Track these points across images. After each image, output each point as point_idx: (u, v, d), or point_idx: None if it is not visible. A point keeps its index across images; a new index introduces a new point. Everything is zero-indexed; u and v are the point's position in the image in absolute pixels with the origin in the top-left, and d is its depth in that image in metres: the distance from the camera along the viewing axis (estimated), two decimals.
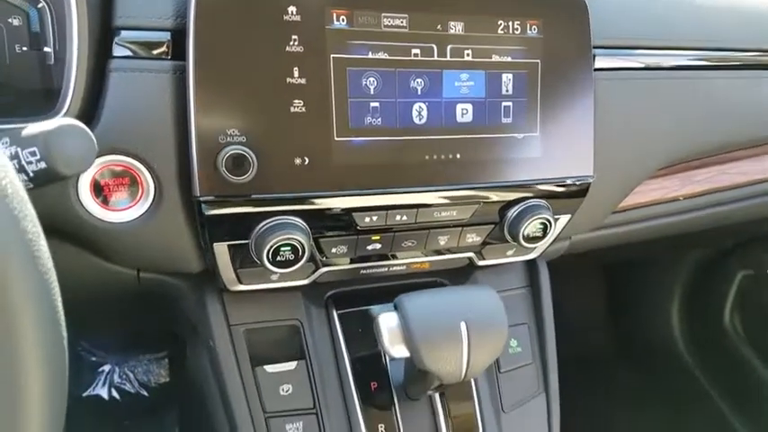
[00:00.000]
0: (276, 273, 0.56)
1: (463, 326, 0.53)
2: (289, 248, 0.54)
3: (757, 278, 1.44)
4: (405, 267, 0.67)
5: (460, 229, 0.64)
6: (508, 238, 0.65)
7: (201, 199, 0.51)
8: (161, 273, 0.61)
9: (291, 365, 0.62)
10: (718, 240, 1.39)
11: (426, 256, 0.66)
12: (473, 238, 0.65)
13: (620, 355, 1.75)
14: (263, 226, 0.54)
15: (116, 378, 1.28)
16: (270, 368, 0.61)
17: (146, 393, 1.28)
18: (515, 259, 0.71)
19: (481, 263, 0.69)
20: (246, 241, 0.55)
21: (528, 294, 0.75)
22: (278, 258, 0.54)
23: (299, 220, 0.55)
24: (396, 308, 0.55)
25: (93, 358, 1.28)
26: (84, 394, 1.26)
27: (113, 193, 0.52)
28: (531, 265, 0.76)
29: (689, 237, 1.20)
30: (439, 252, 0.66)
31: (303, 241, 0.54)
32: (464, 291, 0.58)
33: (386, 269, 0.66)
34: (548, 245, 0.70)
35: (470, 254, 0.68)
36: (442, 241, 0.64)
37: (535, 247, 0.68)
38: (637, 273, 1.65)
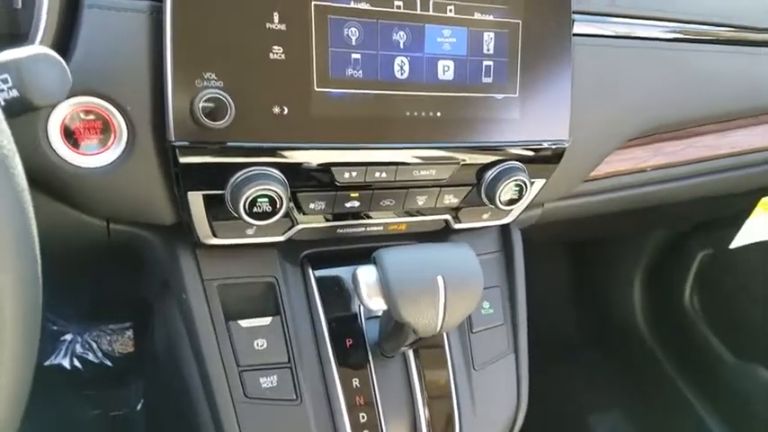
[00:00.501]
0: (253, 225, 0.55)
1: (440, 280, 0.54)
2: (266, 200, 0.53)
3: (716, 257, 1.49)
4: (382, 228, 0.67)
5: (438, 189, 0.64)
6: (485, 200, 0.65)
7: (176, 144, 0.50)
8: (132, 224, 0.59)
9: (266, 321, 0.61)
10: (680, 220, 1.44)
11: (404, 216, 0.66)
12: (450, 199, 0.65)
13: (582, 334, 1.80)
14: (240, 176, 0.53)
15: (78, 348, 1.25)
16: (244, 323, 0.60)
17: (109, 363, 1.26)
18: (490, 223, 0.71)
19: (457, 226, 0.69)
20: (222, 192, 0.54)
21: (501, 258, 0.76)
22: (254, 210, 0.53)
23: (276, 172, 0.54)
24: (374, 261, 0.55)
25: (55, 327, 1.25)
26: (46, 363, 1.23)
27: (84, 138, 0.51)
28: (504, 231, 0.77)
29: (652, 215, 1.23)
30: (416, 213, 0.66)
31: (281, 193, 0.53)
32: (441, 247, 0.58)
33: (363, 229, 0.66)
34: (522, 209, 0.71)
35: (447, 216, 0.68)
36: (420, 201, 0.64)
37: (511, 210, 0.69)
38: (600, 252, 1.69)
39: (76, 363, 1.24)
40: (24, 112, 0.39)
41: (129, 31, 0.49)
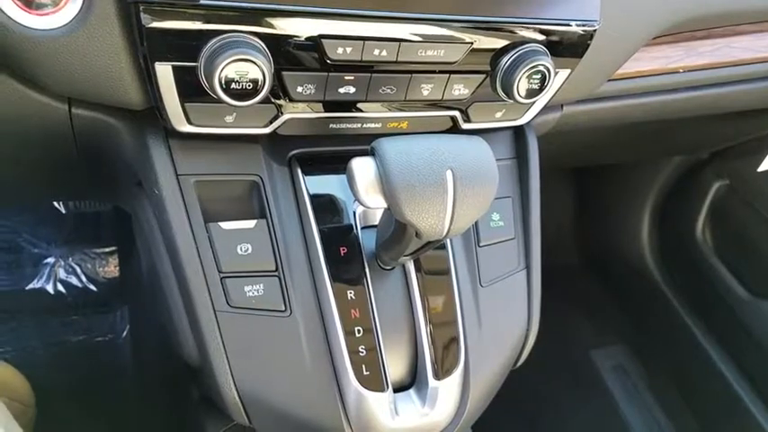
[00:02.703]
0: (231, 107, 0.47)
1: (449, 174, 0.46)
2: (245, 73, 0.45)
3: (733, 188, 1.42)
4: (380, 126, 0.59)
5: (447, 76, 0.55)
6: (500, 91, 0.57)
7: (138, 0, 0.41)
8: (96, 108, 0.51)
9: (250, 224, 0.54)
10: (700, 144, 1.35)
11: (406, 111, 0.58)
12: (460, 89, 0.57)
13: (585, 264, 1.75)
14: (215, 43, 0.45)
15: (62, 272, 1.19)
16: (225, 225, 0.53)
17: (94, 288, 1.20)
18: (504, 124, 0.63)
19: (466, 126, 0.61)
20: (195, 64, 0.46)
21: (514, 167, 0.68)
22: (233, 88, 0.45)
23: (257, 41, 0.46)
24: (372, 152, 0.47)
25: (36, 250, 1.19)
26: (28, 287, 1.17)
27: None
28: (519, 136, 0.69)
29: (672, 135, 1.15)
30: (420, 107, 0.58)
31: (262, 66, 0.45)
32: (451, 138, 0.50)
33: (359, 125, 0.58)
34: (542, 106, 0.62)
35: (455, 113, 0.60)
36: (426, 90, 0.56)
37: (530, 106, 0.61)
38: (609, 180, 1.61)
39: (60, 287, 1.18)
40: None
41: None
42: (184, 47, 0.45)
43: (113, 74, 0.47)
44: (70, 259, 1.20)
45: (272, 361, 0.53)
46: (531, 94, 0.57)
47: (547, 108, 0.67)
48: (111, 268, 1.22)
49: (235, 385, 0.52)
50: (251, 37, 0.46)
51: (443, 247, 0.62)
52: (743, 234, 1.40)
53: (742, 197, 1.40)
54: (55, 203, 1.20)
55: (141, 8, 0.42)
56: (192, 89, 0.47)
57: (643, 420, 1.44)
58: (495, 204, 0.65)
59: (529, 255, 0.67)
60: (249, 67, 0.45)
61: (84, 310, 1.17)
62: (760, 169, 1.01)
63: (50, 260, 1.19)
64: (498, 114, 0.62)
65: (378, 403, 0.54)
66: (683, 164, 1.51)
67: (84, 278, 1.19)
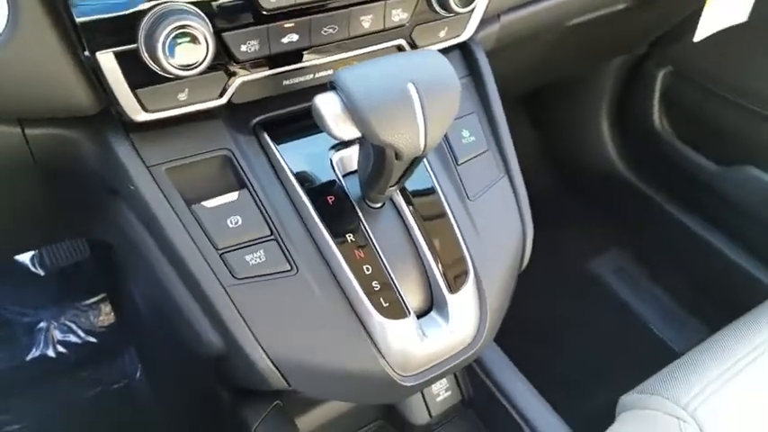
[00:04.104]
0: (180, 78, 0.47)
1: (411, 87, 0.47)
2: (187, 40, 0.45)
3: (677, 73, 1.46)
4: (332, 72, 0.59)
5: (383, 3, 0.56)
6: (437, 8, 0.58)
7: None
8: (50, 124, 0.51)
9: (233, 196, 0.54)
10: (634, 38, 1.39)
11: (353, 49, 0.58)
12: (399, 14, 0.58)
13: (560, 185, 1.78)
14: (150, 17, 0.44)
15: (57, 334, 1.16)
16: (208, 203, 0.53)
17: (94, 340, 1.18)
18: (449, 42, 0.64)
19: (414, 51, 0.62)
20: (135, 45, 0.45)
21: (470, 83, 0.69)
22: (178, 61, 0.45)
23: (190, 6, 0.46)
24: (332, 87, 0.48)
25: (26, 318, 1.16)
26: (28, 358, 1.14)
27: None
28: (467, 53, 0.70)
29: (604, 37, 1.18)
30: (366, 43, 0.58)
31: (201, 28, 0.45)
32: (404, 55, 0.51)
33: (311, 76, 0.58)
34: (480, 16, 0.64)
35: (401, 41, 0.61)
36: (366, 23, 0.56)
37: (468, 16, 0.62)
38: (562, 98, 1.64)
39: (60, 348, 1.16)
40: None
41: None
42: (121, 30, 0.44)
43: (58, 78, 0.46)
44: (62, 318, 1.17)
45: (293, 319, 0.53)
46: (467, 2, 0.58)
47: (485, 21, 0.68)
48: (106, 315, 1.19)
49: (265, 353, 0.52)
50: (183, 3, 0.45)
51: (426, 173, 0.62)
52: (697, 112, 1.44)
53: (687, 78, 1.44)
54: (31, 267, 1.18)
55: (71, 3, 0.41)
56: (139, 74, 0.47)
57: (655, 310, 1.48)
58: (462, 122, 0.67)
59: (506, 162, 0.68)
60: (192, 33, 0.45)
61: (91, 364, 1.15)
62: (696, 39, 1.04)
63: (43, 324, 1.16)
64: (442, 33, 0.63)
65: (404, 329, 0.55)
66: (626, 64, 1.55)
67: (81, 333, 1.17)
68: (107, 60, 0.45)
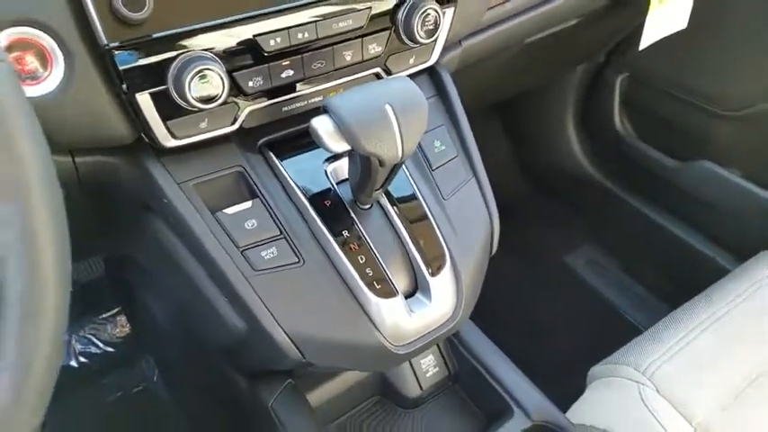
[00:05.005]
0: (202, 111, 0.59)
1: (388, 107, 0.58)
2: (206, 80, 0.57)
3: (633, 77, 1.60)
4: (321, 98, 0.71)
5: (361, 40, 0.68)
6: (406, 40, 0.70)
7: (110, 47, 0.53)
8: (96, 153, 0.62)
9: (248, 204, 0.65)
10: (590, 49, 1.52)
11: (337, 79, 0.70)
12: (375, 47, 0.70)
13: (531, 187, 1.91)
14: (177, 64, 0.56)
15: (78, 346, 1.26)
16: (229, 210, 0.64)
17: (113, 350, 1.28)
18: (418, 67, 0.76)
19: (389, 78, 0.74)
20: (165, 86, 0.57)
21: (438, 101, 0.81)
22: (200, 95, 0.57)
23: (207, 53, 0.58)
24: (324, 111, 0.59)
25: None
26: None
27: (24, 71, 0.52)
28: (435, 76, 0.82)
29: (561, 49, 1.31)
30: (348, 72, 0.70)
31: (219, 71, 0.57)
32: (381, 82, 0.63)
33: (305, 102, 0.70)
34: (443, 43, 0.76)
35: (377, 69, 0.73)
36: (348, 56, 0.68)
37: (433, 45, 0.74)
38: (528, 106, 1.78)
39: (82, 359, 1.26)
40: None
41: None
42: (154, 74, 0.56)
43: (103, 115, 0.57)
44: (82, 332, 1.27)
45: (303, 302, 0.64)
46: (430, 33, 0.71)
47: (448, 47, 0.80)
48: (122, 327, 1.29)
49: (283, 330, 0.63)
50: (201, 51, 0.57)
51: (406, 179, 0.74)
52: (655, 113, 1.58)
53: (643, 82, 1.58)
54: None
55: (114, 53, 0.53)
56: (168, 108, 0.58)
57: (623, 295, 1.61)
58: (433, 133, 0.78)
59: (473, 165, 0.80)
60: (210, 76, 0.57)
61: (111, 372, 1.25)
62: (641, 47, 1.17)
63: (65, 338, 1.26)
64: (411, 60, 0.75)
65: (394, 306, 0.66)
66: (587, 72, 1.68)
67: (100, 344, 1.27)
68: (144, 100, 0.57)
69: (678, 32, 1.19)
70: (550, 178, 1.89)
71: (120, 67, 0.54)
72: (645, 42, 1.17)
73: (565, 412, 0.91)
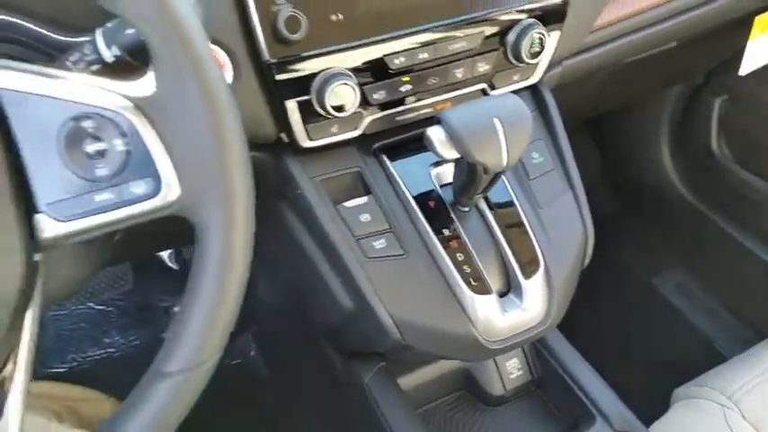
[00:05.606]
0: (336, 118, 0.68)
1: (496, 121, 0.66)
2: (342, 92, 0.66)
3: (733, 101, 1.57)
4: (431, 110, 0.79)
5: (472, 59, 0.76)
6: (512, 59, 0.77)
7: (271, 62, 0.64)
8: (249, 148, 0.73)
9: (364, 200, 0.74)
10: (689, 70, 1.52)
11: (447, 93, 0.78)
12: (483, 66, 0.77)
13: (621, 205, 1.90)
14: (321, 77, 0.66)
15: None
16: (348, 204, 0.73)
17: None
18: (521, 84, 0.83)
19: (493, 92, 0.81)
20: (308, 96, 0.67)
21: (538, 116, 0.87)
22: (336, 104, 0.67)
23: (345, 70, 0.67)
24: (438, 122, 0.67)
25: (163, 303, 1.42)
26: (164, 336, 1.40)
27: None
28: (536, 93, 0.88)
29: (662, 68, 1.33)
30: (457, 86, 0.78)
31: (353, 85, 0.66)
32: (489, 99, 0.70)
33: (416, 113, 0.78)
34: (547, 63, 0.82)
35: (483, 85, 0.80)
36: (459, 74, 0.76)
37: (536, 65, 0.81)
38: (621, 122, 1.78)
39: None
40: None
41: None
42: (301, 86, 0.66)
43: (257, 118, 0.68)
44: None
45: (406, 290, 0.73)
46: (535, 55, 0.77)
47: (551, 65, 0.86)
48: None
49: (388, 312, 0.72)
50: (340, 68, 0.67)
51: (504, 187, 0.81)
52: (753, 137, 1.55)
53: (743, 105, 1.55)
54: (167, 262, 1.45)
55: (274, 69, 0.64)
56: (309, 114, 0.69)
57: (714, 324, 1.58)
58: (532, 146, 0.85)
59: (570, 180, 0.85)
60: (345, 89, 0.66)
61: None
62: (741, 73, 1.18)
63: (177, 309, 1.42)
64: (515, 78, 0.82)
65: (488, 303, 0.73)
66: (684, 92, 1.67)
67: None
68: (291, 106, 0.68)
69: None
70: (641, 197, 1.88)
71: (277, 78, 0.65)
72: (745, 69, 1.18)
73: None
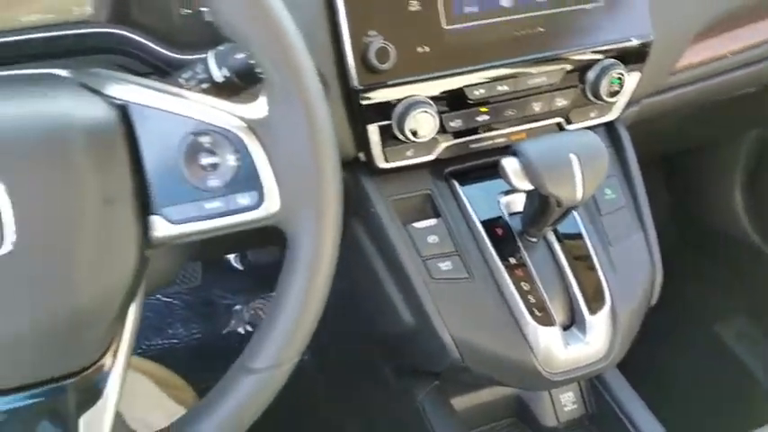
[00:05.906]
0: (413, 143, 0.72)
1: (573, 156, 0.67)
2: (421, 120, 0.69)
3: None
4: (505, 139, 0.81)
5: (551, 94, 0.78)
6: (590, 96, 0.79)
7: (358, 87, 0.68)
8: None
9: (433, 222, 0.77)
10: (765, 117, 1.47)
11: (523, 124, 0.80)
12: (561, 101, 0.79)
13: (687, 246, 1.85)
14: (403, 104, 0.70)
15: (246, 315, 1.48)
16: (417, 224, 0.76)
17: None
18: (598, 121, 0.84)
19: (569, 127, 0.82)
20: (389, 122, 0.70)
21: (613, 153, 0.87)
22: (415, 129, 0.70)
23: (425, 98, 0.70)
24: (513, 153, 0.69)
25: (225, 301, 1.49)
26: (224, 332, 1.47)
27: None
28: (611, 129, 0.88)
29: (740, 110, 1.30)
30: (533, 119, 0.79)
31: (432, 113, 0.70)
32: (567, 134, 0.72)
33: (490, 142, 0.80)
34: (625, 102, 0.83)
35: (559, 119, 0.81)
36: (537, 107, 0.78)
37: (614, 104, 0.81)
38: (694, 162, 1.73)
39: (248, 327, 1.47)
40: None
41: (309, 9, 0.66)
42: (383, 111, 0.70)
43: (340, 137, 0.72)
44: (252, 304, 1.49)
45: (468, 313, 0.75)
46: (614, 94, 0.78)
47: (629, 104, 0.87)
48: None
49: (449, 332, 0.74)
50: (421, 96, 0.70)
51: (575, 221, 0.81)
52: None
53: None
54: (233, 263, 1.52)
55: (360, 94, 0.68)
56: (388, 138, 0.72)
57: None
58: (605, 182, 0.84)
59: (641, 218, 0.85)
60: (425, 116, 0.69)
61: None
62: None
63: (238, 307, 1.49)
64: (592, 114, 0.83)
65: (551, 335, 0.74)
66: (760, 136, 1.62)
67: (264, 318, 1.47)
68: (372, 129, 0.71)
69: None
70: (710, 239, 1.82)
71: (362, 102, 0.69)
72: None
73: None
